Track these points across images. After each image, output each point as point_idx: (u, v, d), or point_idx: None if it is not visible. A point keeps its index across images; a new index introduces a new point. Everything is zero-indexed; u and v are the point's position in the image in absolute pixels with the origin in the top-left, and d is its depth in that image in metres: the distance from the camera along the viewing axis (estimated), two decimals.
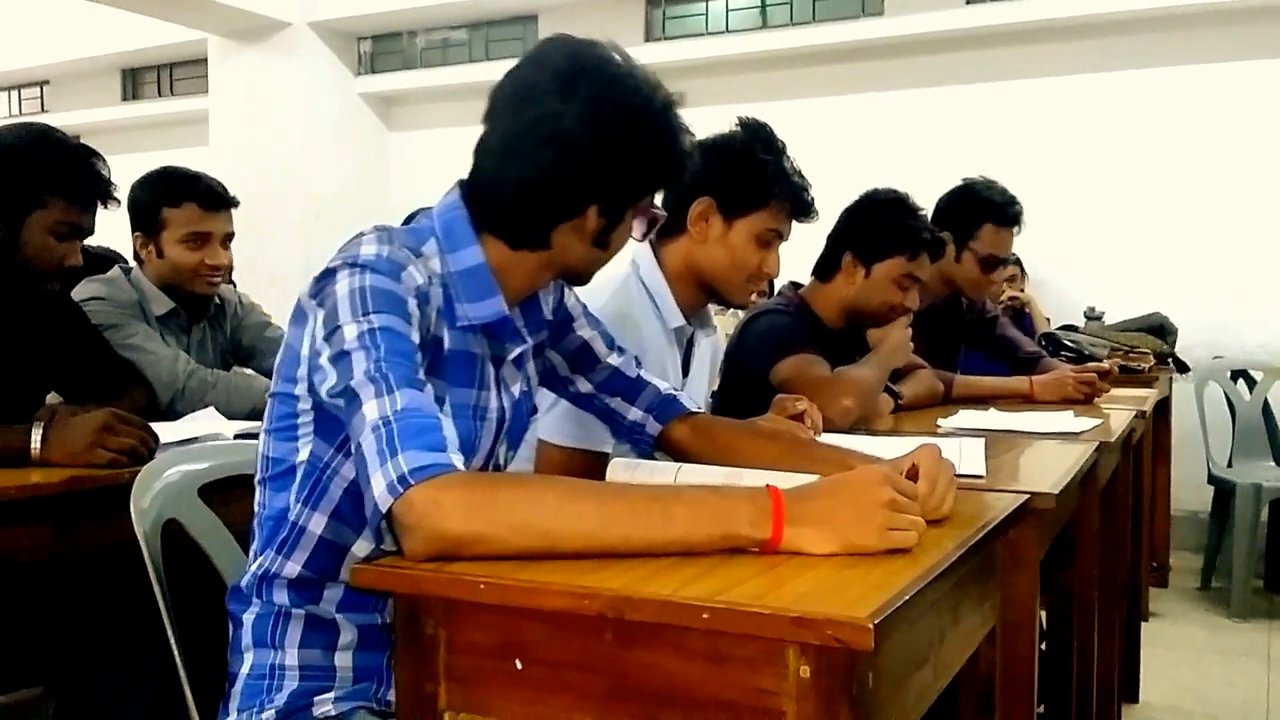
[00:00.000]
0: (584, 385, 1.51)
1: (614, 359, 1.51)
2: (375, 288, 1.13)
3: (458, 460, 1.02)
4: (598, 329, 1.50)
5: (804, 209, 1.87)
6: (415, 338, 1.13)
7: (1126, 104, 4.91)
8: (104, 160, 1.90)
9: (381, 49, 6.64)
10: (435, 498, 0.98)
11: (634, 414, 1.53)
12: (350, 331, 1.10)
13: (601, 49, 1.24)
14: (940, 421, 2.23)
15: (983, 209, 2.96)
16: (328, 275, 1.16)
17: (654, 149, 1.25)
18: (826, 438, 1.71)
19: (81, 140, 2.00)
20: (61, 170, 1.83)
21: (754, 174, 1.80)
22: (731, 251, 1.82)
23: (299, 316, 1.20)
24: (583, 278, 1.36)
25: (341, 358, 1.10)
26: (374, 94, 6.65)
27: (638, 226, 1.32)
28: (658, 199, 1.37)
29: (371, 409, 1.05)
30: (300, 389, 1.21)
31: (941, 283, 3.00)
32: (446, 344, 1.23)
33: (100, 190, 1.88)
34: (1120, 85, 4.93)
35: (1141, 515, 3.51)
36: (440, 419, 1.05)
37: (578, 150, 1.20)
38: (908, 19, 5.23)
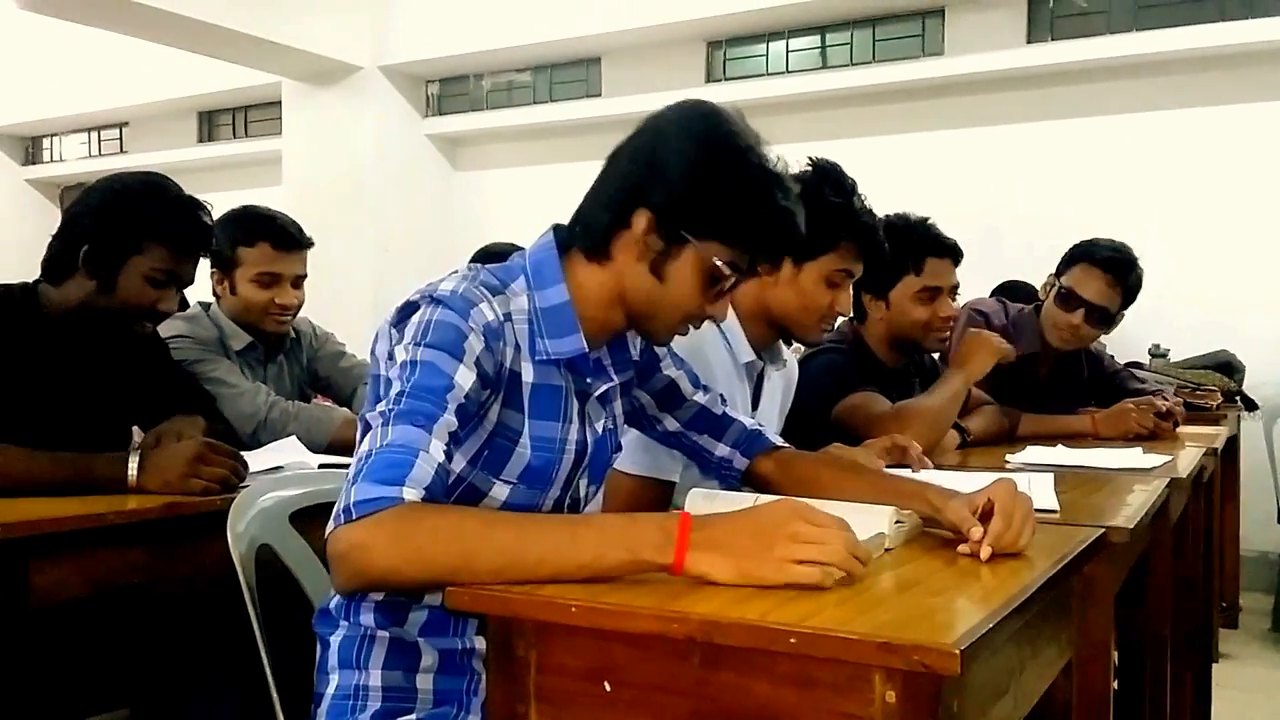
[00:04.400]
0: (671, 423, 1.55)
1: (700, 397, 1.55)
2: (439, 321, 1.20)
3: (411, 493, 1.07)
4: (683, 368, 1.54)
5: (875, 250, 1.88)
6: (464, 375, 1.18)
7: (1190, 141, 4.87)
8: (209, 213, 1.94)
9: (448, 91, 6.78)
10: (358, 538, 1.05)
11: (721, 450, 1.56)
12: (400, 356, 1.19)
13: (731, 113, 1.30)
14: (1009, 457, 2.22)
15: (1077, 253, 2.93)
16: (409, 307, 1.24)
17: (728, 190, 1.25)
18: (892, 471, 1.72)
19: None
20: (166, 218, 1.87)
21: (824, 216, 1.80)
22: (802, 294, 1.84)
23: (381, 344, 1.27)
24: (653, 325, 1.34)
25: (389, 385, 1.18)
26: (441, 135, 6.79)
27: None
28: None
29: (366, 442, 1.12)
30: None
31: (1038, 333, 2.97)
32: (529, 377, 1.29)
33: (203, 242, 1.94)
34: (1183, 123, 4.89)
35: (1212, 554, 3.44)
36: (422, 453, 1.10)
37: (650, 161, 1.27)
38: (968, 59, 5.25)
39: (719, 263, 1.27)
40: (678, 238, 1.27)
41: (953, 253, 2.44)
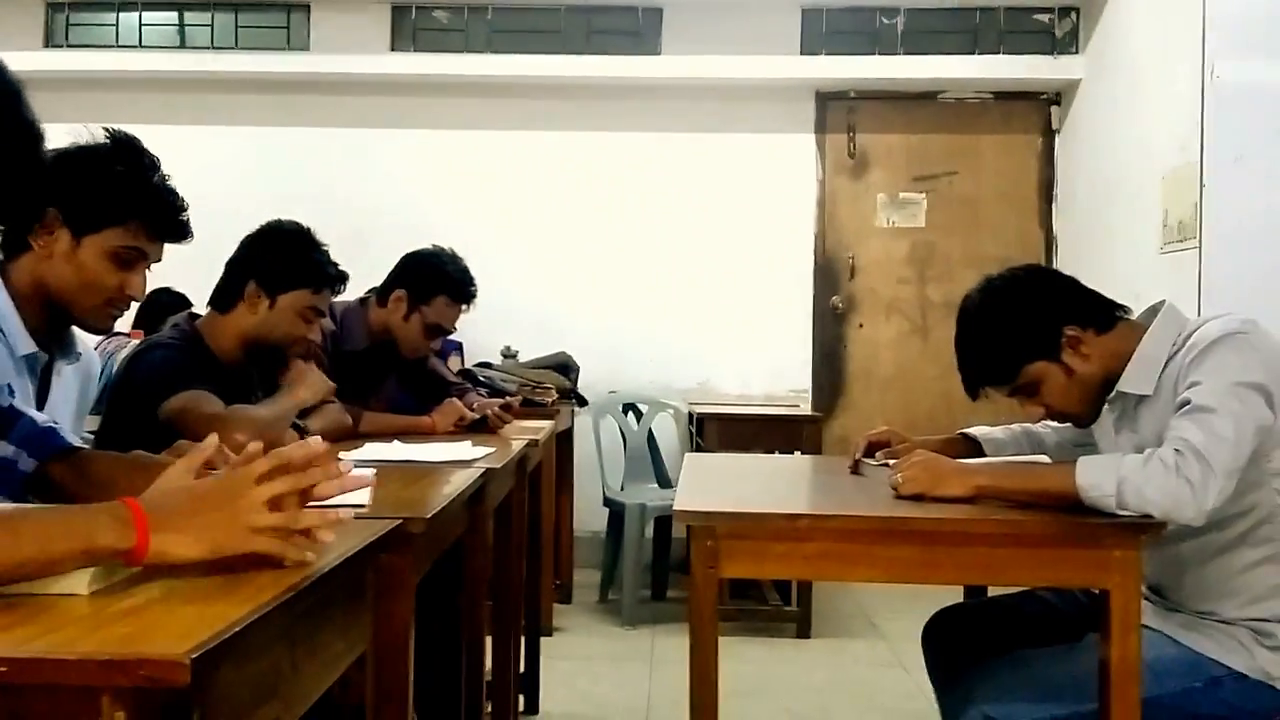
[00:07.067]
0: None
1: None
2: None
3: None
4: None
5: (171, 229, 1.75)
6: None
7: (537, 160, 5.32)
8: None
9: None
10: None
11: (4, 450, 1.38)
12: None
13: None
14: (342, 455, 2.21)
15: (442, 281, 3.08)
16: None
17: None
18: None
19: None
20: None
21: (109, 188, 1.66)
22: (82, 270, 1.66)
23: None
24: None
25: None
26: None
27: None
28: None
29: None
30: None
31: (382, 330, 3.08)
32: None
33: None
34: (531, 143, 5.32)
35: (544, 537, 3.79)
36: None
37: None
38: (331, 58, 5.25)
39: None
40: None
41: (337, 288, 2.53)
